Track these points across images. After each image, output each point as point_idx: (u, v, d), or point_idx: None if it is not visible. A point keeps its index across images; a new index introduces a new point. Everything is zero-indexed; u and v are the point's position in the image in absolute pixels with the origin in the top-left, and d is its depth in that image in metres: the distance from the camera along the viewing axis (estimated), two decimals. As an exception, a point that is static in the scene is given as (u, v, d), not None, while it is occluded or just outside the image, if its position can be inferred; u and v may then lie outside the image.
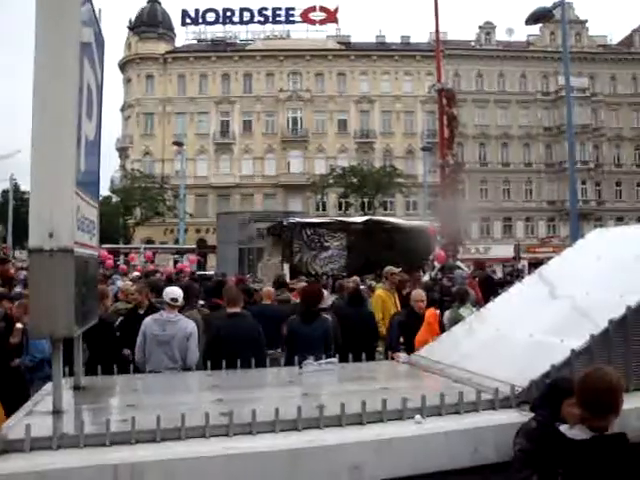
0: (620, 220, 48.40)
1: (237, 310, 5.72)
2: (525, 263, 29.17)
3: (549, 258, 5.33)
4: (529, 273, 7.33)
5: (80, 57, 3.01)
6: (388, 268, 9.17)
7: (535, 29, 50.49)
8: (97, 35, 3.63)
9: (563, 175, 46.66)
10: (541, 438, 2.69)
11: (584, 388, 2.62)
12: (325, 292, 8.78)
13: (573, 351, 3.22)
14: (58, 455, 2.47)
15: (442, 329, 5.67)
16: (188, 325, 5.60)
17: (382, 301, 8.36)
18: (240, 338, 5.24)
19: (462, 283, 9.99)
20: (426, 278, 13.24)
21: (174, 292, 5.83)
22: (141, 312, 6.72)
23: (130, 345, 5.85)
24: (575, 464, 2.55)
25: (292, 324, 5.91)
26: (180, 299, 5.77)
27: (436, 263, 15.13)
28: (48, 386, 3.38)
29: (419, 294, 6.82)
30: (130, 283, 8.63)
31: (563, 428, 2.66)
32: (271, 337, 5.99)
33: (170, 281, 13.70)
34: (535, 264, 12.14)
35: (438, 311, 6.74)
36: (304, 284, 8.90)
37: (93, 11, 3.49)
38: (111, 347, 5.58)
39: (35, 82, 2.86)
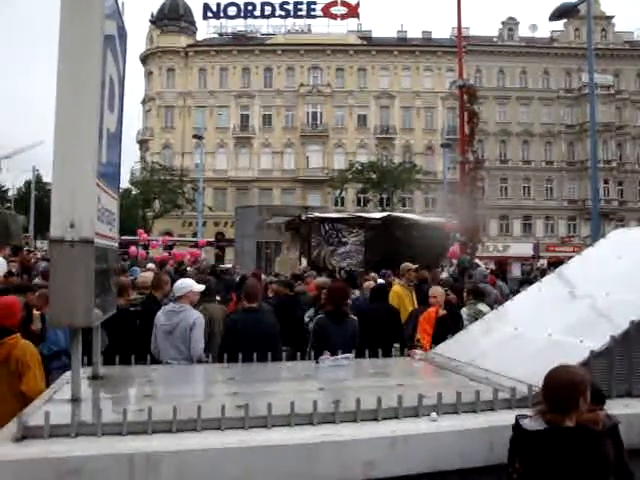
0: (643, 220, 47.69)
1: (254, 305, 5.72)
2: (544, 262, 28.81)
3: (569, 257, 5.27)
4: (548, 272, 7.27)
5: (103, 50, 3.04)
6: (404, 265, 9.14)
7: (559, 25, 49.85)
8: (120, 28, 3.65)
9: (585, 174, 46.12)
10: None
11: (545, 384, 2.64)
12: None
13: (592, 352, 3.19)
14: (76, 443, 2.51)
15: (457, 327, 5.61)
16: (192, 316, 5.52)
17: (398, 297, 8.31)
18: (256, 332, 5.24)
19: (483, 281, 9.90)
20: (444, 275, 13.16)
21: (180, 283, 5.83)
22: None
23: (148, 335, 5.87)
24: (527, 453, 2.56)
25: (321, 323, 5.67)
26: (184, 290, 5.66)
27: (453, 260, 15.05)
28: (67, 375, 3.43)
29: (434, 290, 6.81)
30: (145, 274, 8.61)
31: (523, 420, 2.65)
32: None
33: (184, 272, 13.79)
34: (555, 263, 11.98)
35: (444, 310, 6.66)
36: (324, 279, 8.83)
37: (117, 4, 3.52)
38: (131, 337, 5.60)
39: (58, 74, 2.89)
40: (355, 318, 5.71)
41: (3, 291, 5.82)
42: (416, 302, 8.30)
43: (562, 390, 2.57)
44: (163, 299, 6.62)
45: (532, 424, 2.60)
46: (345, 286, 6.40)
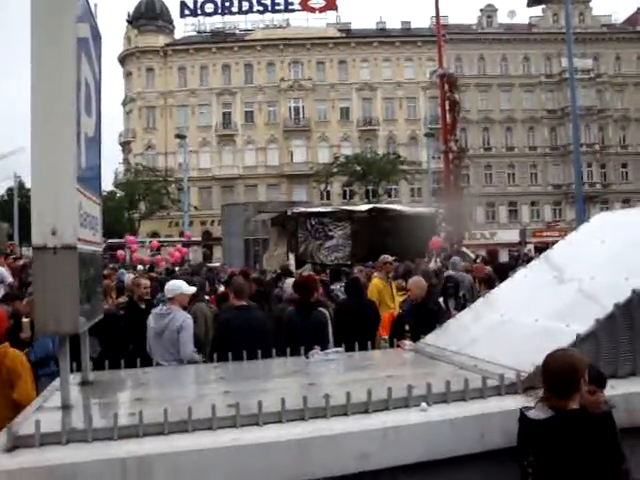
0: (626, 202, 48.18)
1: (244, 302, 5.72)
2: (531, 247, 29.02)
3: (555, 242, 5.30)
4: (535, 258, 7.34)
5: (77, 53, 3.00)
6: (382, 257, 8.96)
7: (537, 11, 50.25)
8: (93, 30, 3.61)
9: (568, 158, 46.47)
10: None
11: (545, 369, 2.67)
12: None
13: (578, 336, 3.21)
14: (67, 450, 2.49)
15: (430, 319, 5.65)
16: (179, 318, 5.48)
17: (377, 290, 8.21)
18: (250, 330, 5.24)
19: (458, 270, 9.93)
20: (432, 265, 13.20)
21: (170, 285, 5.82)
22: (142, 306, 6.71)
23: (134, 338, 5.88)
24: (539, 443, 2.60)
25: (288, 316, 5.81)
26: (173, 293, 5.66)
27: (434, 251, 15.06)
28: (57, 382, 3.41)
29: (410, 282, 6.77)
30: (132, 276, 8.63)
31: (528, 411, 2.68)
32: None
33: (171, 273, 13.75)
34: (541, 248, 12.06)
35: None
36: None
37: (88, 6, 3.48)
38: (118, 341, 5.60)
39: (32, 79, 2.86)
40: (324, 311, 5.74)
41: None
42: (395, 294, 8.21)
43: (563, 373, 2.61)
44: (140, 302, 6.69)
45: (538, 413, 2.62)
46: (311, 279, 6.43)
